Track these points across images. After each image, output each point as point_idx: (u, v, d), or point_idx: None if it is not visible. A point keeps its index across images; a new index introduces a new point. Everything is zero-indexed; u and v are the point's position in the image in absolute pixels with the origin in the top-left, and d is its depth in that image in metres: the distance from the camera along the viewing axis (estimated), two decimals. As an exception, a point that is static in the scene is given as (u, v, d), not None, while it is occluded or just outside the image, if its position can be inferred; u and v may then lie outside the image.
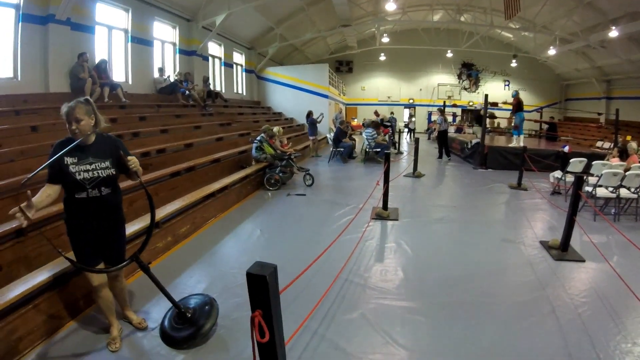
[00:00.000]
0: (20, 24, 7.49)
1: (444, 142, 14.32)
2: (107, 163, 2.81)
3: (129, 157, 2.79)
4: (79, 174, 2.70)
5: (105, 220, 2.90)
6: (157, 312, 3.51)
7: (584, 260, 4.73)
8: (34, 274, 3.26)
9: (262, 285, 1.71)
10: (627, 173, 6.69)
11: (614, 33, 15.28)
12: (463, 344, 3.08)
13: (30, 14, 7.61)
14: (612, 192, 6.82)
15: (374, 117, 17.12)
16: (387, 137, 15.67)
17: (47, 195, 2.66)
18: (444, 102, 22.00)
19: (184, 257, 4.83)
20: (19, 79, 7.58)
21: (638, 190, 6.78)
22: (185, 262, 4.64)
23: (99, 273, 2.96)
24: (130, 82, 10.64)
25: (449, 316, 3.46)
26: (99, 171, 2.76)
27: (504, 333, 3.20)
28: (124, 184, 5.26)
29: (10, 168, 4.70)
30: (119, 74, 10.39)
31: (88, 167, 2.73)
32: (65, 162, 2.68)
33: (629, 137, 16.29)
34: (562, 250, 4.94)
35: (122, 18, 10.44)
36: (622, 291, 3.71)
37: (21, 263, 3.47)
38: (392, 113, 20.11)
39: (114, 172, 2.85)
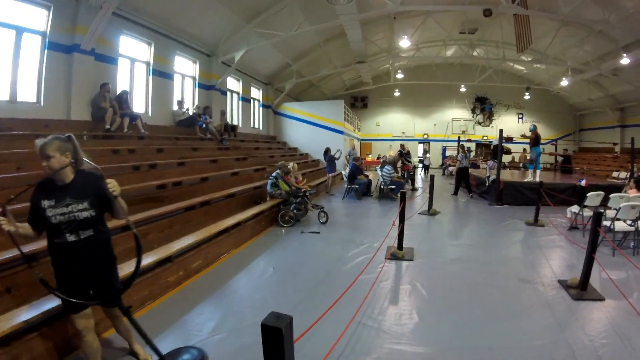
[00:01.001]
0: (46, 51, 7.80)
1: (465, 179, 14.18)
2: (85, 204, 2.63)
3: (108, 180, 2.56)
4: (55, 218, 2.55)
5: (90, 264, 2.71)
6: (164, 348, 3.43)
7: (603, 299, 4.61)
8: (44, 299, 3.28)
9: (277, 338, 1.68)
10: (645, 205, 6.55)
11: (625, 60, 15.34)
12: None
13: (56, 42, 7.92)
14: (630, 225, 6.68)
15: (390, 153, 17.11)
16: (406, 174, 15.64)
17: (29, 228, 2.64)
18: (459, 137, 22.05)
19: (194, 293, 4.79)
20: (42, 104, 7.82)
21: (657, 222, 6.63)
22: (195, 298, 4.60)
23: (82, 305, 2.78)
24: (150, 113, 10.93)
25: (466, 362, 3.35)
26: (76, 214, 2.59)
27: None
28: (140, 216, 5.35)
29: (26, 192, 4.77)
30: (139, 105, 10.67)
31: (65, 209, 2.57)
32: (43, 206, 2.56)
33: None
34: (581, 289, 4.80)
35: (144, 51, 10.83)
36: (643, 329, 3.59)
37: (31, 287, 3.46)
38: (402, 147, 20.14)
39: (93, 214, 2.66)
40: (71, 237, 2.61)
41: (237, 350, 3.45)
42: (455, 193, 14.12)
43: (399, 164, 15.83)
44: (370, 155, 27.95)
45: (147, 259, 4.59)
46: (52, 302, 3.20)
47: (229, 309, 4.38)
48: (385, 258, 6.17)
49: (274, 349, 1.71)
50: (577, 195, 10.56)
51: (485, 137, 28.30)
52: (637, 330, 3.77)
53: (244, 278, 5.46)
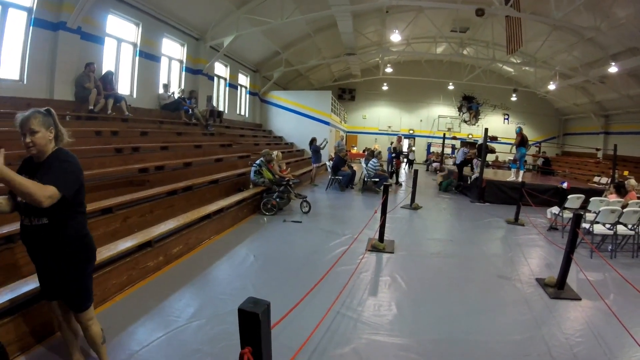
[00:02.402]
0: (31, 27, 7.53)
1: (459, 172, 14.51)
2: None
3: None
4: (18, 197, 2.33)
5: (46, 256, 2.45)
6: (143, 333, 3.44)
7: (580, 299, 4.71)
8: (22, 282, 3.21)
9: (253, 323, 1.65)
10: (624, 210, 6.72)
11: (613, 68, 15.57)
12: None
13: (41, 19, 7.65)
14: (609, 229, 6.84)
15: (376, 146, 17.11)
16: (394, 168, 15.73)
17: (3, 201, 2.44)
18: (444, 134, 22.21)
19: (174, 279, 4.73)
20: (25, 82, 7.56)
21: (635, 226, 6.80)
22: (175, 284, 4.54)
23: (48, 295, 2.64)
24: (134, 95, 10.70)
25: (442, 355, 3.38)
26: None
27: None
28: (121, 199, 5.27)
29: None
30: (124, 86, 10.43)
31: None
32: None
33: (626, 173, 16.39)
34: (558, 288, 4.90)
35: (132, 32, 10.56)
36: (618, 330, 3.69)
37: (10, 270, 3.40)
38: (392, 143, 20.17)
39: None
40: (25, 221, 2.39)
41: (216, 336, 3.43)
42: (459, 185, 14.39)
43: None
44: (355, 148, 27.96)
45: (127, 243, 4.53)
46: (29, 285, 3.14)
47: (208, 295, 4.35)
48: (366, 249, 6.20)
49: (250, 334, 1.68)
50: (558, 197, 10.74)
51: (470, 136, 28.56)
52: (612, 331, 3.85)
53: (224, 265, 5.42)
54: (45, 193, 2.17)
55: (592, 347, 3.58)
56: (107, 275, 4.01)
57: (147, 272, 4.74)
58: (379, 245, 6.31)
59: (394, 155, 15.96)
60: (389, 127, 29.50)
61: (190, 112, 11.85)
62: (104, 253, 4.10)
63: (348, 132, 28.60)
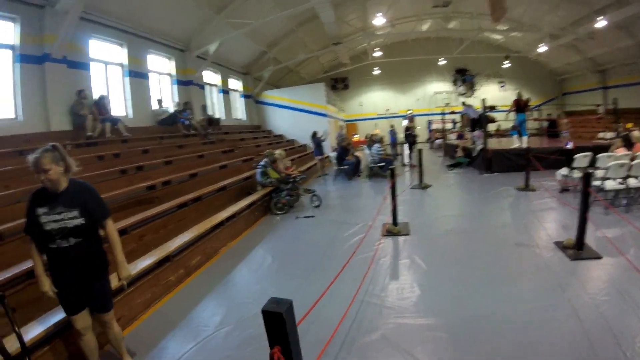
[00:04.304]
0: (18, 64, 7.59)
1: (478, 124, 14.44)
2: (76, 212, 2.72)
3: None
4: (48, 225, 2.66)
5: (80, 269, 2.81)
6: (174, 347, 3.49)
7: (600, 257, 4.67)
8: (47, 315, 3.27)
9: (278, 322, 1.67)
10: (633, 162, 6.65)
11: (601, 23, 15.39)
12: (487, 356, 3.01)
13: (26, 54, 7.70)
14: (620, 183, 6.77)
15: (376, 131, 17.06)
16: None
17: (37, 253, 2.81)
18: (442, 109, 22.07)
19: (197, 290, 4.79)
20: (21, 119, 7.62)
21: (647, 178, 6.73)
22: (198, 295, 4.60)
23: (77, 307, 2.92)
24: (130, 116, 10.72)
25: (470, 330, 3.39)
26: (67, 221, 2.69)
27: (527, 341, 3.13)
28: (134, 219, 5.31)
29: (17, 209, 4.63)
30: (118, 108, 10.45)
31: (57, 217, 2.67)
32: (37, 213, 2.67)
33: (629, 125, 16.21)
34: (577, 249, 4.86)
35: (117, 53, 10.56)
36: (642, 284, 3.66)
37: (34, 305, 3.41)
38: (392, 126, 20.07)
39: (83, 222, 2.75)
40: (63, 243, 2.71)
41: (245, 340, 3.47)
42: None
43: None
44: (356, 136, 27.81)
45: (146, 261, 4.58)
46: (57, 316, 3.20)
47: (232, 301, 4.40)
48: (381, 235, 6.20)
49: (277, 334, 1.71)
50: (566, 157, 10.64)
51: (468, 107, 28.36)
52: (636, 286, 3.82)
53: (244, 269, 5.46)
54: (115, 228, 3.06)
55: (618, 304, 3.56)
56: (131, 295, 4.06)
57: (170, 287, 4.79)
58: (393, 229, 6.32)
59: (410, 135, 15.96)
60: (387, 110, 29.29)
61: (188, 123, 11.86)
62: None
63: (347, 120, 28.46)
